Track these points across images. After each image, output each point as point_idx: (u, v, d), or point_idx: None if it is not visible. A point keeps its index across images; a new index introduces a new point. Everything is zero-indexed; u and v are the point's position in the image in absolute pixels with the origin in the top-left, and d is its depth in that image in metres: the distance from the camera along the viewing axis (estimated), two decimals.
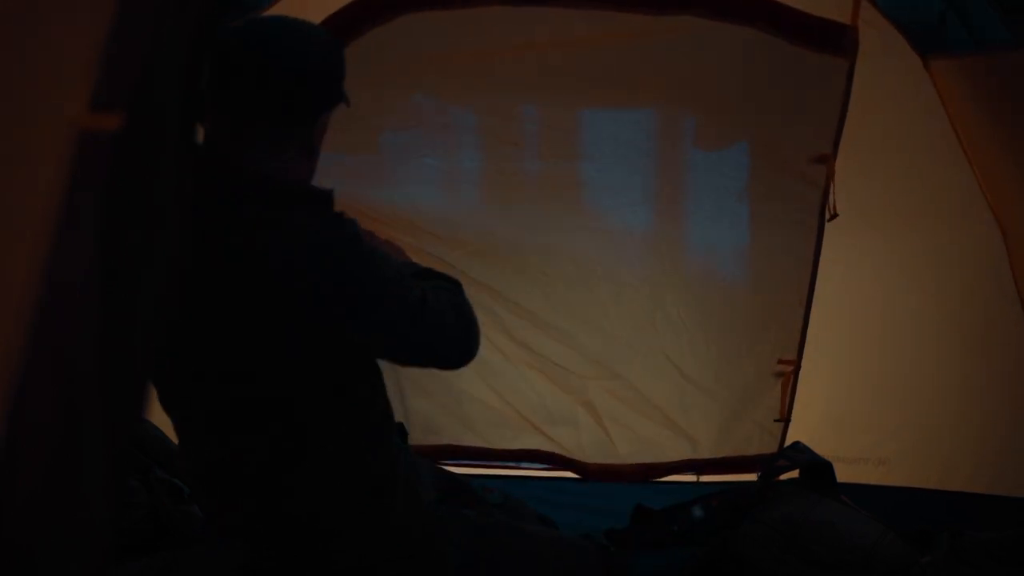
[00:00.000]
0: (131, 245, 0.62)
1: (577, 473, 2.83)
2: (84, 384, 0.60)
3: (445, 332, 1.54)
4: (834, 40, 2.42)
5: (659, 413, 2.76)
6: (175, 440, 1.64)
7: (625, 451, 2.79)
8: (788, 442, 2.70)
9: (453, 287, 1.64)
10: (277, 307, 1.41)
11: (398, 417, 1.75)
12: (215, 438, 1.53)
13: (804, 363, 2.73)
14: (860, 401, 2.75)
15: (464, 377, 2.66)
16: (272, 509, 1.53)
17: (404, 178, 2.59)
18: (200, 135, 1.48)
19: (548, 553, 1.71)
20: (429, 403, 2.73)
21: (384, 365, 1.59)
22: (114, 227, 0.60)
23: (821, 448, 2.51)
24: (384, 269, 1.49)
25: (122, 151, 0.59)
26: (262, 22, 1.53)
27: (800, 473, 2.47)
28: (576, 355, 2.71)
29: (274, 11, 2.29)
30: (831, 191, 2.52)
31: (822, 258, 2.63)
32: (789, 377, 2.72)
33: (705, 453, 2.79)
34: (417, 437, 2.71)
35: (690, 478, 2.85)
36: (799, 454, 2.51)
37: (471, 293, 1.66)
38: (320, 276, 1.40)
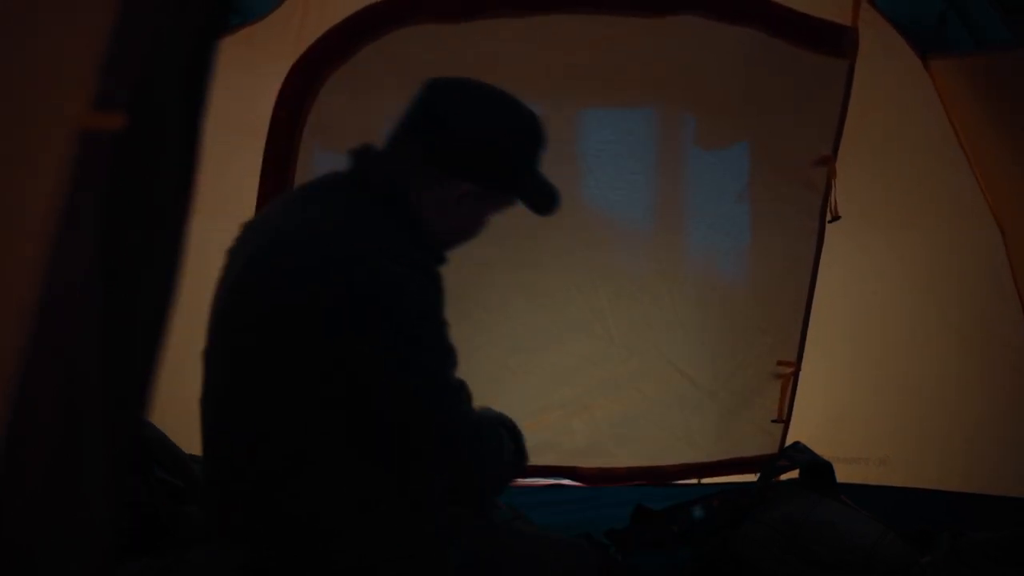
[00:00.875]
0: (131, 245, 0.62)
1: (573, 479, 2.79)
2: (84, 384, 0.60)
3: (470, 439, 1.53)
4: (834, 41, 2.42)
5: (658, 414, 2.74)
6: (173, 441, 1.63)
7: (623, 455, 2.77)
8: (788, 442, 2.70)
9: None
10: (295, 319, 1.42)
11: None
12: (219, 444, 1.53)
13: (804, 363, 2.72)
14: (860, 401, 2.75)
15: None
16: (273, 510, 1.53)
17: None
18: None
19: (548, 554, 1.71)
20: None
21: None
22: (114, 227, 0.60)
23: (821, 448, 2.51)
24: (443, 337, 1.47)
25: (122, 151, 0.59)
26: (471, 79, 1.61)
27: (800, 473, 2.47)
28: (572, 358, 2.69)
29: (274, 17, 2.29)
30: (832, 192, 2.51)
31: (822, 257, 2.63)
32: (788, 379, 2.71)
33: (704, 454, 2.77)
34: None
35: (690, 480, 2.84)
36: (799, 454, 2.51)
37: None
38: (357, 299, 1.41)
